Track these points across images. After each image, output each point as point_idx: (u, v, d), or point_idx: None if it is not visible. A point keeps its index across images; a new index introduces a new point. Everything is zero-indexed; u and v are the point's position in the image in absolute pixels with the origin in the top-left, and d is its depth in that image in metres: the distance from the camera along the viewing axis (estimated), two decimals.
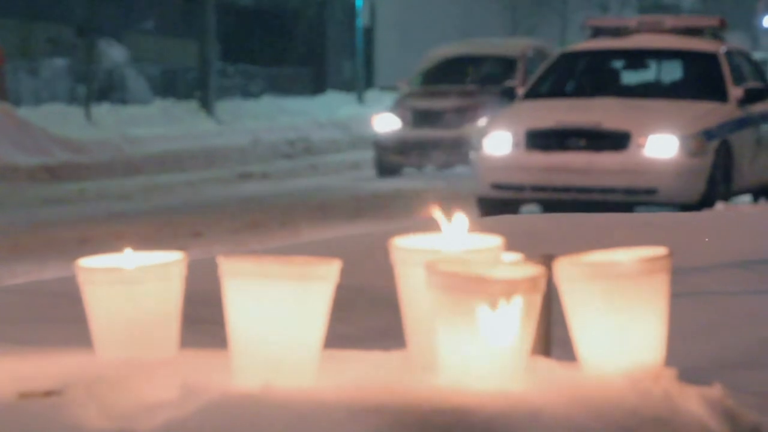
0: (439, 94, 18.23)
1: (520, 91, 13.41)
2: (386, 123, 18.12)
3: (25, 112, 21.03)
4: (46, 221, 12.73)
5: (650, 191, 12.00)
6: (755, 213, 8.17)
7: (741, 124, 12.86)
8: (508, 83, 14.62)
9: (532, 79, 13.64)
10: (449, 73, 18.84)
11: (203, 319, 2.86)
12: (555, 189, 12.14)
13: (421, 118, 17.87)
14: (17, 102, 22.94)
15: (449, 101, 17.97)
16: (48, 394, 1.95)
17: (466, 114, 17.82)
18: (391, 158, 17.83)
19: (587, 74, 13.46)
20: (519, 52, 18.94)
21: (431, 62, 19.27)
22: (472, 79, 18.70)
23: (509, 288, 1.94)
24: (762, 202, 13.44)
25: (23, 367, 2.09)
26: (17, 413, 1.92)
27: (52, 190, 16.21)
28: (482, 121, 16.92)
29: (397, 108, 18.32)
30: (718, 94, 12.88)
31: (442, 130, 17.69)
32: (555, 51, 19.12)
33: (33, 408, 1.92)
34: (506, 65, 18.79)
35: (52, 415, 1.89)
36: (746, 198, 13.59)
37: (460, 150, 17.32)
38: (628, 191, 11.97)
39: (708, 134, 12.38)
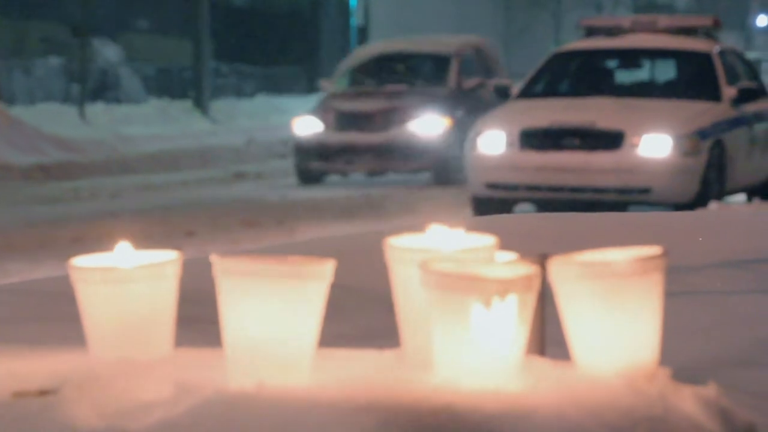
0: (366, 95, 16.95)
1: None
2: (307, 126, 16.76)
3: (19, 111, 21.02)
4: (39, 220, 12.73)
5: (644, 191, 12.02)
6: (749, 212, 8.18)
7: (735, 123, 12.88)
8: (499, 82, 14.26)
9: (528, 78, 13.65)
10: (378, 72, 17.58)
11: (197, 318, 2.86)
12: (549, 188, 12.16)
13: (346, 120, 16.59)
14: (11, 101, 22.94)
15: (377, 102, 16.70)
16: (42, 393, 1.95)
17: (395, 116, 16.52)
18: (312, 165, 16.54)
19: (581, 74, 13.47)
20: (454, 50, 17.58)
21: (359, 60, 17.98)
22: (402, 78, 17.45)
23: (504, 287, 1.94)
24: (756, 201, 13.46)
25: (17, 367, 2.09)
26: (11, 412, 1.92)
27: (46, 189, 16.21)
28: (413, 124, 16.33)
29: (319, 110, 16.99)
30: (712, 93, 12.91)
31: (369, 133, 16.41)
32: (491, 49, 18.09)
33: (27, 407, 1.92)
34: (440, 64, 17.46)
35: (47, 414, 1.89)
36: (740, 197, 13.61)
37: (389, 155, 16.26)
38: (622, 191, 11.98)
39: (702, 134, 12.40)
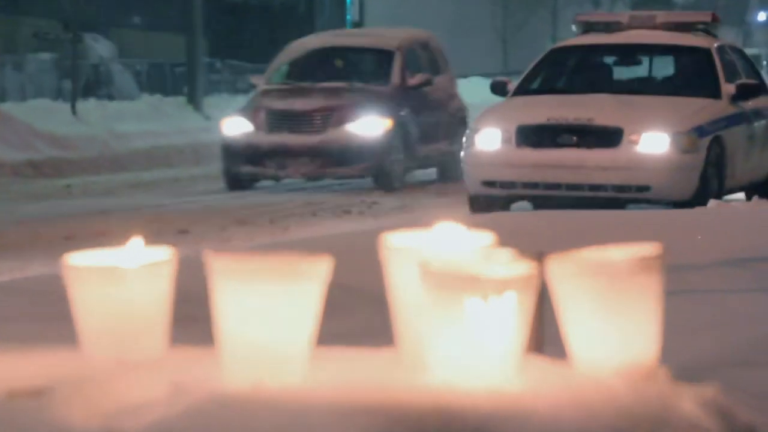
0: (301, 93, 15.40)
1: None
2: (236, 127, 15.17)
3: (10, 107, 20.98)
4: (30, 217, 12.69)
5: (642, 188, 12.00)
6: (748, 210, 8.17)
7: (734, 120, 12.86)
8: (496, 79, 14.09)
9: (525, 75, 13.63)
10: (315, 68, 16.02)
11: (191, 316, 2.84)
12: (546, 186, 12.12)
13: (278, 120, 15.07)
14: (2, 97, 22.92)
15: (312, 101, 15.17)
16: (35, 393, 1.93)
17: (331, 116, 15.01)
18: (242, 169, 15.00)
19: (579, 70, 13.44)
20: (398, 45, 15.99)
21: (294, 55, 16.39)
22: (341, 75, 15.89)
23: (501, 286, 1.92)
24: (755, 199, 13.45)
25: (10, 366, 2.07)
26: (5, 412, 1.90)
27: (37, 185, 16.18)
28: (351, 125, 14.91)
29: (249, 109, 15.41)
30: (711, 90, 12.88)
31: (303, 135, 14.95)
32: (438, 44, 16.80)
33: (20, 407, 1.90)
34: (383, 59, 15.89)
35: (40, 414, 1.88)
36: (739, 195, 13.61)
37: (325, 159, 14.80)
38: (620, 188, 11.96)
39: (700, 131, 12.38)
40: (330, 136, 14.87)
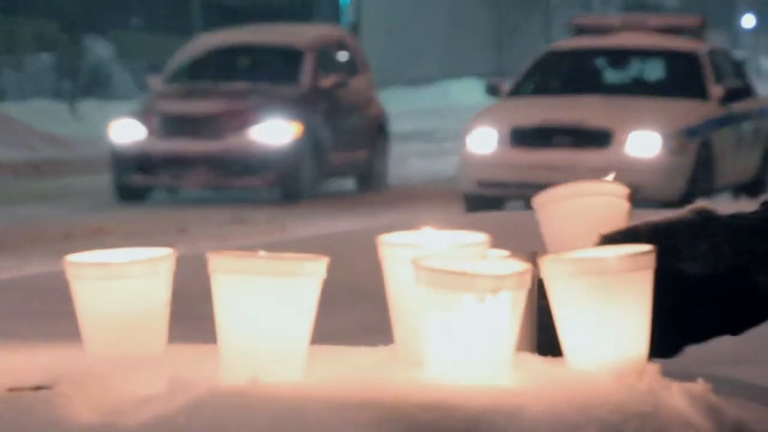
0: (200, 95, 13.96)
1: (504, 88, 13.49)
2: (128, 131, 13.72)
3: (9, 108, 20.98)
4: (30, 217, 12.71)
5: (632, 188, 12.08)
6: (735, 210, 8.21)
7: (722, 122, 12.99)
8: (491, 81, 14.05)
9: (519, 76, 13.71)
10: (217, 68, 14.58)
11: (190, 314, 2.87)
12: (539, 186, 12.17)
13: (174, 125, 13.59)
14: (2, 97, 22.90)
15: (212, 104, 13.71)
16: (37, 388, 1.96)
17: (233, 120, 13.57)
18: (133, 178, 13.63)
19: (572, 72, 13.54)
20: (309, 44, 14.58)
21: (196, 53, 14.88)
22: (246, 75, 14.45)
23: (496, 284, 1.95)
24: (743, 198, 13.56)
25: (12, 362, 2.10)
26: (6, 407, 1.93)
27: (37, 185, 16.18)
28: (255, 130, 13.53)
29: (143, 112, 13.94)
30: (700, 92, 13.03)
31: (201, 141, 13.47)
32: (354, 43, 15.52)
33: (22, 402, 1.93)
34: (292, 59, 14.44)
35: (41, 409, 1.90)
36: (727, 195, 13.71)
37: (225, 168, 13.41)
38: None
39: (689, 132, 12.50)
40: (231, 142, 13.50)
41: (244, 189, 13.87)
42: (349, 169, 14.77)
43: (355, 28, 33.07)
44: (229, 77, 14.42)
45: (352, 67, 15.13)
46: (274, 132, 13.69)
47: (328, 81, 14.48)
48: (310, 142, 13.85)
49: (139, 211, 13.02)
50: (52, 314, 2.93)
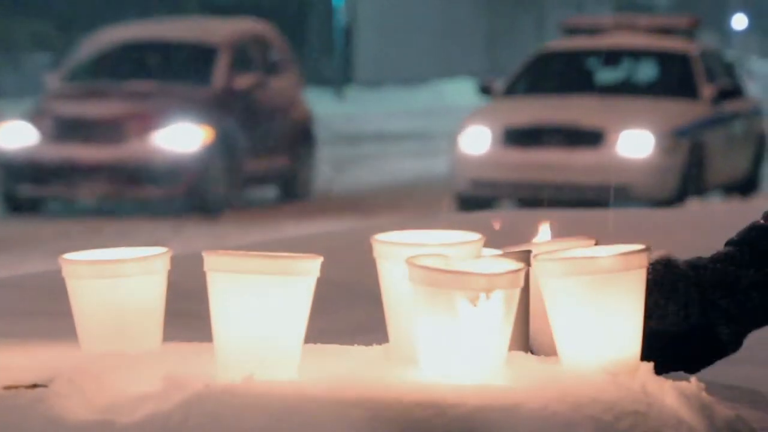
0: (99, 95, 12.74)
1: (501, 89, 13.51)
2: (16, 135, 12.45)
3: (6, 107, 20.94)
4: (26, 215, 12.68)
5: (623, 188, 12.18)
6: (727, 209, 8.25)
7: (713, 122, 13.08)
8: (485, 82, 14.00)
9: (512, 76, 13.76)
10: (122, 65, 13.34)
11: (185, 313, 2.88)
12: (532, 185, 12.27)
13: (68, 129, 12.34)
14: None
15: (111, 105, 12.51)
16: (33, 386, 1.97)
17: (135, 124, 12.38)
18: (22, 188, 12.36)
19: (565, 72, 13.60)
20: (223, 40, 13.34)
21: (98, 48, 13.60)
22: (152, 74, 13.23)
23: (489, 283, 1.96)
24: (734, 198, 13.63)
25: (7, 361, 2.11)
26: (2, 405, 1.93)
27: None
28: (159, 135, 12.33)
29: (35, 113, 12.72)
30: (691, 92, 13.12)
31: (99, 147, 12.24)
32: (276, 39, 14.25)
33: (18, 400, 1.93)
34: (205, 56, 13.18)
35: (37, 407, 1.91)
36: (718, 194, 13.78)
37: (125, 177, 12.21)
38: (602, 188, 12.11)
39: (681, 132, 12.59)
40: (133, 148, 12.29)
41: (147, 200, 12.68)
42: (269, 178, 13.61)
43: (348, 30, 33.05)
44: (134, 76, 13.19)
45: (273, 66, 14.00)
46: (181, 137, 12.47)
47: (244, 81, 13.32)
48: (223, 147, 12.69)
49: (131, 208, 12.98)
50: (47, 312, 2.94)
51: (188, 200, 12.57)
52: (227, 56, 13.24)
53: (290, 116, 13.95)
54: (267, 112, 13.47)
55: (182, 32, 13.89)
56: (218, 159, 12.61)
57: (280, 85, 13.97)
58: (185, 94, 12.85)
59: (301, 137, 13.97)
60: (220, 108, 12.90)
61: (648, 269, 2.11)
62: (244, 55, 13.58)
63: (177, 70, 13.28)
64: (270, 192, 13.98)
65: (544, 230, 2.22)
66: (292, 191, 13.68)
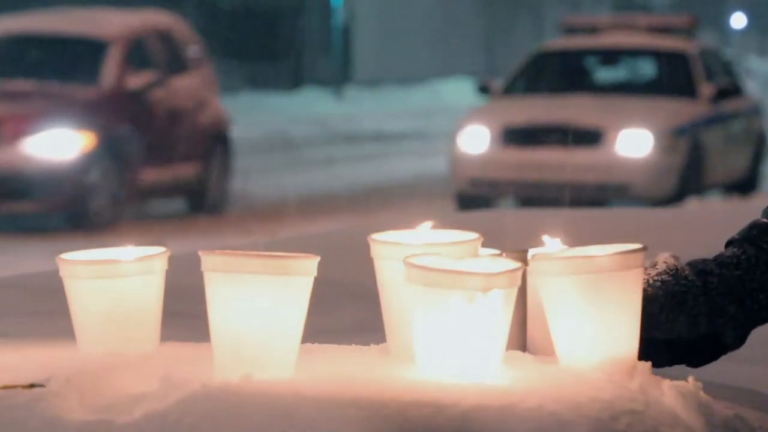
0: None
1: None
2: None
3: None
4: (24, 215, 12.68)
5: (622, 187, 12.22)
6: (726, 208, 8.25)
7: (712, 121, 13.10)
8: (482, 82, 14.06)
9: (510, 75, 13.78)
10: (0, 63, 12.10)
11: (182, 313, 2.88)
12: (530, 185, 12.30)
13: None
14: None
15: None
16: (31, 386, 1.97)
17: (6, 129, 11.04)
18: None
19: (563, 71, 13.63)
20: (116, 34, 11.92)
21: None
22: (35, 72, 11.83)
23: (487, 282, 1.97)
24: (733, 197, 13.64)
25: (5, 360, 2.11)
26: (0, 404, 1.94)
27: None
28: (31, 142, 11.02)
29: None
30: (690, 91, 13.16)
31: None
32: (183, 33, 12.61)
33: (15, 400, 1.94)
34: (93, 52, 11.76)
35: (34, 406, 1.91)
36: (718, 193, 13.81)
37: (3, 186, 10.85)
38: (601, 187, 12.14)
39: (679, 131, 12.62)
40: (3, 157, 10.96)
41: (16, 214, 11.39)
42: (171, 189, 12.22)
43: (346, 30, 33.06)
44: (10, 74, 11.84)
45: (179, 64, 12.48)
46: (56, 144, 11.12)
47: (138, 80, 11.94)
48: (109, 155, 11.32)
49: (127, 210, 12.95)
50: (45, 312, 2.94)
51: (64, 214, 11.35)
52: (119, 52, 11.85)
53: (199, 120, 12.53)
54: (169, 116, 12.14)
55: (70, 25, 12.37)
56: (102, 168, 11.27)
57: (187, 84, 12.51)
58: (65, 96, 11.53)
59: (212, 143, 12.56)
60: (107, 110, 11.60)
61: (656, 279, 2.10)
62: (141, 52, 12.15)
63: (62, 67, 11.92)
64: (177, 204, 12.54)
65: (552, 242, 2.20)
66: (201, 203, 12.35)
